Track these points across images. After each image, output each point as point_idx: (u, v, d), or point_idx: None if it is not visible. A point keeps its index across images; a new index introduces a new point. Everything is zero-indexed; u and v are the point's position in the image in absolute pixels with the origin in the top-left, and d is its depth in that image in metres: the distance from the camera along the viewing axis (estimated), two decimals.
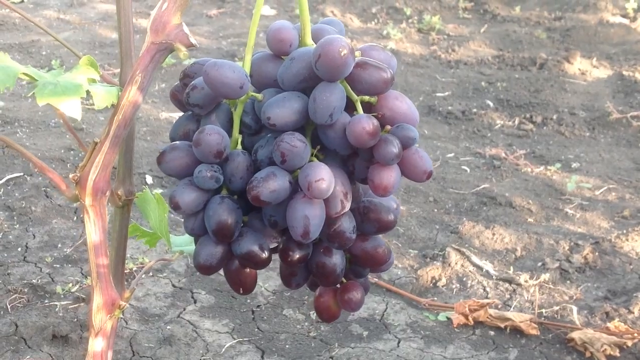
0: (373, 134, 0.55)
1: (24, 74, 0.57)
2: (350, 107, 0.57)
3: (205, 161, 0.58)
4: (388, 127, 0.57)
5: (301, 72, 0.57)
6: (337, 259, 0.62)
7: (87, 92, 0.58)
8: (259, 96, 0.58)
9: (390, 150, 0.56)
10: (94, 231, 0.62)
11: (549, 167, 2.46)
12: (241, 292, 0.63)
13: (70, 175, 0.61)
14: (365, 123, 0.55)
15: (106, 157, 0.60)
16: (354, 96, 0.57)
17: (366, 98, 0.58)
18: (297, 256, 0.61)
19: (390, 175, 0.57)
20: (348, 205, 0.59)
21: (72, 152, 2.36)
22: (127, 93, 0.58)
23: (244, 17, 4.15)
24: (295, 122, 0.57)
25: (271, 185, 0.56)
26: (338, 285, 0.65)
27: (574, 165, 2.49)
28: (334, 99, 0.56)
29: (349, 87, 0.57)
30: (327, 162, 0.58)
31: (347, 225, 0.60)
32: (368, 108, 0.58)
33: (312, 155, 0.59)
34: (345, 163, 0.60)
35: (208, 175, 0.57)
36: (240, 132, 0.60)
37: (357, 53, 0.58)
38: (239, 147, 0.59)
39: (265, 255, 0.60)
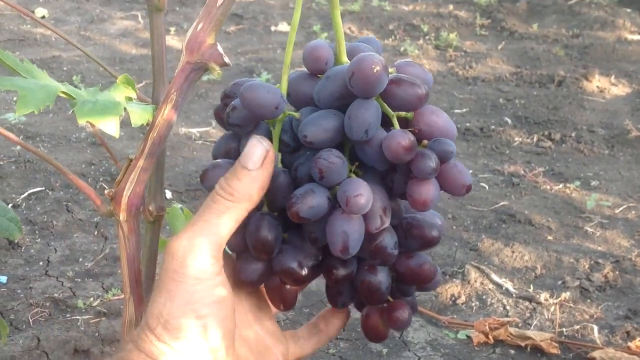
0: (409, 149, 0.55)
1: (63, 92, 0.58)
2: (387, 123, 0.57)
3: None
4: (425, 141, 0.57)
5: (337, 90, 0.58)
6: (382, 277, 0.61)
7: (124, 110, 0.59)
8: (297, 115, 0.59)
9: (427, 164, 0.56)
10: (128, 246, 0.63)
11: (568, 185, 2.46)
12: (282, 308, 0.64)
13: (106, 191, 0.62)
14: (401, 138, 0.55)
15: (141, 174, 0.60)
16: (390, 112, 0.57)
17: (402, 114, 0.57)
18: (342, 274, 0.61)
19: (429, 190, 0.57)
20: (387, 221, 0.59)
21: (92, 166, 2.38)
22: (162, 111, 0.59)
23: (262, 33, 4.18)
24: (332, 139, 0.57)
25: (310, 201, 0.56)
26: (385, 305, 0.64)
27: (593, 183, 2.49)
28: (369, 115, 0.56)
29: (385, 104, 0.57)
30: (366, 178, 0.58)
31: (388, 241, 0.59)
32: (405, 123, 0.58)
33: (350, 171, 0.59)
34: (384, 179, 0.60)
35: None
36: (280, 150, 0.60)
37: (391, 69, 0.58)
38: (279, 165, 0.60)
39: (304, 272, 0.60)
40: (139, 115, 0.57)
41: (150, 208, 0.73)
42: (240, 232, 0.59)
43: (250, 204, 0.56)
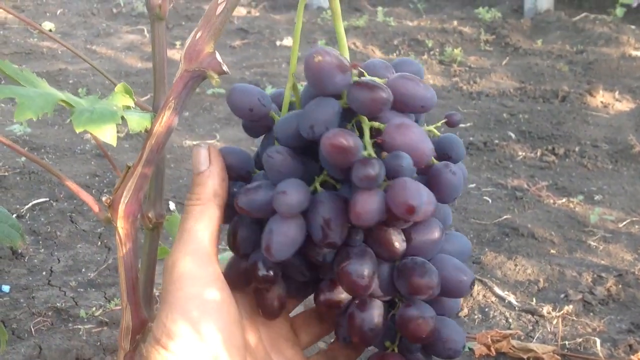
0: (342, 150, 0.51)
1: (62, 101, 0.58)
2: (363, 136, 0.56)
3: (233, 179, 0.60)
4: (384, 153, 0.54)
5: (310, 91, 0.58)
6: (369, 315, 0.56)
7: (122, 118, 0.60)
8: (276, 116, 0.60)
9: (365, 170, 0.51)
10: (125, 253, 0.63)
11: (571, 199, 2.46)
12: (261, 313, 0.61)
13: (103, 198, 0.62)
14: (335, 136, 0.51)
15: (138, 181, 0.61)
16: (366, 121, 0.55)
17: (376, 124, 0.55)
18: (326, 299, 0.57)
19: (366, 202, 0.51)
20: (334, 237, 0.54)
21: (97, 178, 2.40)
22: (161, 119, 0.60)
23: (267, 48, 4.20)
24: (295, 136, 0.56)
25: (251, 194, 0.55)
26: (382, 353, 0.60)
27: (597, 197, 2.48)
28: (319, 111, 0.53)
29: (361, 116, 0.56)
30: (341, 191, 0.56)
31: (355, 267, 0.54)
32: (378, 135, 0.55)
33: (319, 179, 0.57)
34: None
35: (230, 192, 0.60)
36: None
37: (382, 80, 0.57)
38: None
39: (265, 272, 0.57)
40: (137, 122, 0.58)
41: (149, 215, 0.73)
42: None
43: (220, 199, 0.58)
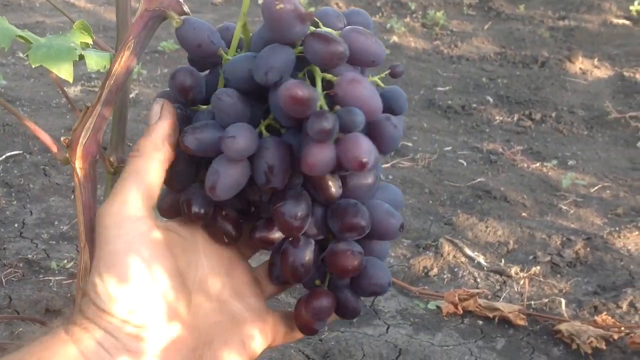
0: (299, 102, 0.51)
1: (19, 36, 0.58)
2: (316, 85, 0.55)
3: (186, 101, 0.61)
4: (337, 107, 0.54)
5: (265, 35, 0.58)
6: (300, 252, 0.58)
7: (81, 57, 0.59)
8: (226, 56, 0.59)
9: (321, 124, 0.51)
10: (83, 194, 0.63)
11: (545, 164, 2.48)
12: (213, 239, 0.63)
13: (62, 138, 0.62)
14: (293, 87, 0.51)
15: (97, 121, 0.61)
16: (318, 72, 0.55)
17: (328, 76, 0.55)
18: (262, 235, 0.59)
19: (319, 154, 0.52)
20: (275, 182, 0.56)
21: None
22: (120, 59, 0.59)
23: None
24: (245, 79, 0.56)
25: (198, 134, 0.56)
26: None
27: (571, 162, 2.51)
28: (274, 57, 0.54)
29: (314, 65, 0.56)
30: (286, 137, 0.57)
31: (289, 208, 0.56)
32: (330, 87, 0.55)
33: (265, 123, 0.58)
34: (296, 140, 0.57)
35: None
36: None
37: (336, 32, 0.56)
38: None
39: (197, 210, 0.59)
40: (96, 61, 0.58)
41: (111, 159, 0.73)
42: None
43: (161, 152, 0.58)
